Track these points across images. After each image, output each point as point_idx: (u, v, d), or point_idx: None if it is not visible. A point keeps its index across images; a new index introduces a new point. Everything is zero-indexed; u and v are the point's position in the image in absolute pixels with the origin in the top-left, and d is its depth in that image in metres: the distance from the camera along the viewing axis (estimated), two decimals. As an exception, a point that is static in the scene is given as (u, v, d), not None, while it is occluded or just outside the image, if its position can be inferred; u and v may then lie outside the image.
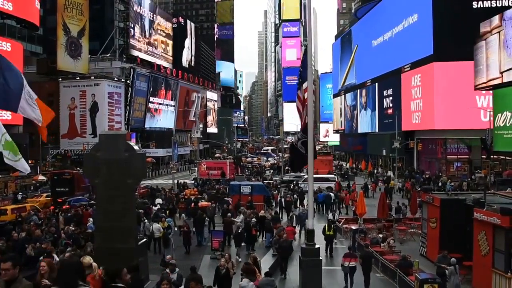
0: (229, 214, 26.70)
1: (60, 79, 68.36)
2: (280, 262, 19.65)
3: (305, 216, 24.44)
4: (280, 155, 79.32)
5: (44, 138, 12.26)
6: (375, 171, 62.82)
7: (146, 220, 25.04)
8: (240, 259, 20.88)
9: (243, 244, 23.18)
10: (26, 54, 63.62)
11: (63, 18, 66.50)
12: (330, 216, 27.19)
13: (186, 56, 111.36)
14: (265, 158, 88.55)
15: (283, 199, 35.31)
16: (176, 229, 26.09)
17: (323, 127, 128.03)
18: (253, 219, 25.38)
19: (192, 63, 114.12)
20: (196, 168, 58.03)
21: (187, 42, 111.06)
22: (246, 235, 23.61)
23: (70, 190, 38.23)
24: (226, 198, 35.11)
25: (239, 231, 23.20)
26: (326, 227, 23.00)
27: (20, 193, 44.55)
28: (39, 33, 73.84)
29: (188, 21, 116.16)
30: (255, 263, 15.64)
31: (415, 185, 43.49)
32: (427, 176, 49.92)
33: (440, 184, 45.29)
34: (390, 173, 59.36)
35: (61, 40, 66.45)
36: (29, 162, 55.83)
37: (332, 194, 36.38)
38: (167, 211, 30.26)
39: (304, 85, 17.11)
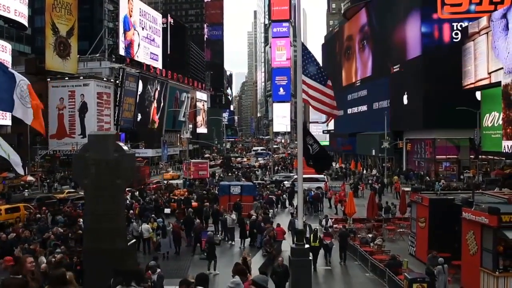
0: (226, 215, 26.64)
1: (49, 79, 67.93)
2: None
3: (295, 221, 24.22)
4: (270, 154, 79.63)
5: (42, 131, 12.17)
6: (365, 172, 63.10)
7: (133, 221, 24.95)
8: (218, 272, 19.49)
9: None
10: (14, 54, 63.14)
11: (52, 17, 66.03)
12: (323, 222, 26.75)
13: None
14: (255, 158, 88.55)
15: (273, 197, 36.89)
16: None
17: (312, 127, 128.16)
18: (253, 216, 25.64)
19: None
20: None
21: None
22: (240, 231, 24.87)
23: None
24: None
25: (214, 240, 20.96)
26: (311, 238, 20.91)
27: (26, 191, 44.98)
28: (27, 33, 73.35)
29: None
30: (245, 263, 15.62)
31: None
32: (428, 179, 49.41)
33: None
34: (374, 171, 59.81)
35: (49, 40, 66.00)
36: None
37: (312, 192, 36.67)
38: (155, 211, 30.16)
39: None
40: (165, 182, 52.35)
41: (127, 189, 38.35)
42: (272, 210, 33.88)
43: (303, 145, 15.70)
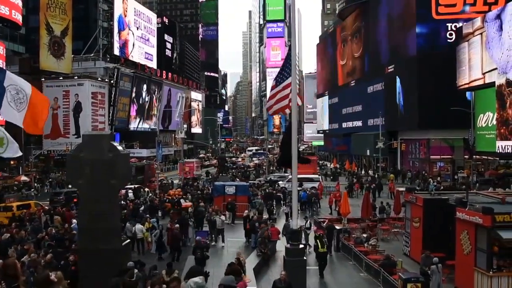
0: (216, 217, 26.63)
1: (43, 79, 67.57)
2: None
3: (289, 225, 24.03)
4: (266, 154, 79.63)
5: (29, 130, 12.20)
6: (358, 171, 63.19)
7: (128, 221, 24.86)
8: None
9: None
10: (8, 54, 62.83)
11: (46, 17, 65.74)
12: (304, 222, 26.53)
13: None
14: (249, 158, 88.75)
15: (280, 194, 37.45)
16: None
17: (307, 127, 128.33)
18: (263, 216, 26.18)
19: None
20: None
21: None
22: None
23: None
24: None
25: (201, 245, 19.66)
26: (319, 244, 20.27)
27: (32, 189, 45.31)
28: (22, 33, 73.08)
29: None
30: (240, 263, 15.64)
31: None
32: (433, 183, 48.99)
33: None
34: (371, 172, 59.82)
35: (44, 40, 65.69)
36: (12, 163, 55.31)
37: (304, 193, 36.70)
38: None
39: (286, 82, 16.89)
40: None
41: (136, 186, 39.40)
42: (278, 209, 34.43)
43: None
